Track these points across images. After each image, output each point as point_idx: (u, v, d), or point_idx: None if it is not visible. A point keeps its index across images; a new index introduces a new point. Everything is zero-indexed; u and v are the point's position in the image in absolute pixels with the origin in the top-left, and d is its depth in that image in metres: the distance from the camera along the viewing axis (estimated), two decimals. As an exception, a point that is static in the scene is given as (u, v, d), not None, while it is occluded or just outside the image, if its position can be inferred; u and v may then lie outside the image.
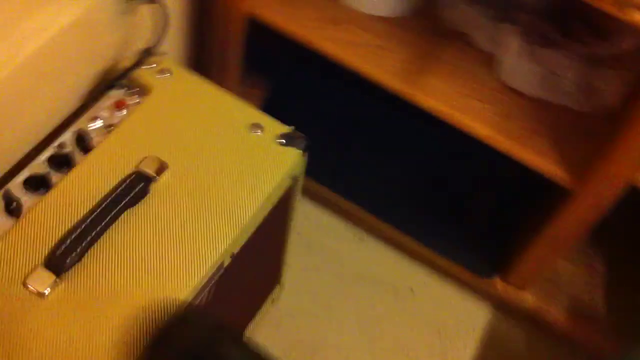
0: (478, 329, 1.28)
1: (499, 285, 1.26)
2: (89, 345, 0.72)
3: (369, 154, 1.37)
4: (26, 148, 0.86)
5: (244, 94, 1.01)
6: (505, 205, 1.33)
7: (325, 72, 1.15)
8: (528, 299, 1.24)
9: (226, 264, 0.83)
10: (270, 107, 1.34)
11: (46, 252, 0.75)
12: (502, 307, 1.29)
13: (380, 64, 1.11)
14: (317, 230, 1.34)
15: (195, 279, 0.78)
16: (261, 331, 1.19)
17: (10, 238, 0.77)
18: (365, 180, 1.34)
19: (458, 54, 1.15)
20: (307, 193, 1.35)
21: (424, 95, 1.09)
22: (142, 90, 0.92)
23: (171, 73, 0.94)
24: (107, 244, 0.78)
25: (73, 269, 0.75)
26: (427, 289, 1.31)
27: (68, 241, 0.76)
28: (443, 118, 1.08)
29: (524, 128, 1.07)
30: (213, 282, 0.82)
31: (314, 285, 1.28)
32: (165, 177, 0.84)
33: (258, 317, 1.17)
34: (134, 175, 0.82)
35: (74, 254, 0.75)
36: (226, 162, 0.87)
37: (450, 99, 1.09)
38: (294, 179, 0.93)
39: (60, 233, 0.77)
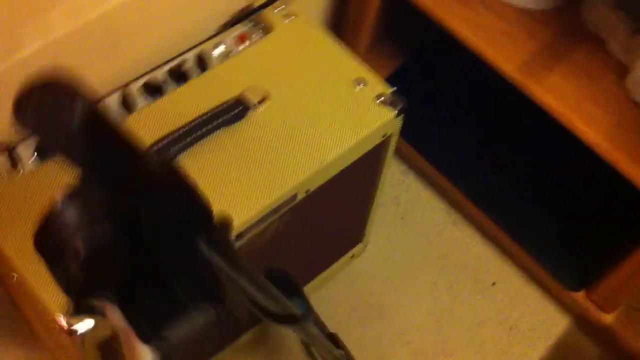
0: (551, 336, 1.25)
1: (582, 300, 1.23)
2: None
3: (480, 140, 1.37)
4: (158, 62, 0.96)
5: (372, 60, 1.06)
6: (608, 223, 1.29)
7: (456, 52, 1.17)
8: (608, 320, 1.21)
9: (299, 197, 0.89)
10: (396, 78, 1.39)
11: (145, 147, 0.85)
12: (580, 322, 1.26)
13: (505, 52, 1.11)
14: (416, 205, 1.37)
15: (266, 201, 0.85)
16: (335, 283, 1.25)
17: (119, 129, 0.87)
18: (472, 166, 1.35)
19: (588, 57, 1.12)
20: (415, 169, 1.38)
21: (541, 89, 1.08)
22: (266, 29, 0.99)
23: (296, 18, 1.00)
24: (198, 153, 0.86)
25: (163, 166, 0.84)
26: (508, 286, 1.30)
27: (163, 143, 0.85)
28: (555, 116, 1.07)
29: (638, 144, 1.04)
30: (284, 211, 0.88)
31: (398, 254, 1.31)
32: (264, 106, 0.91)
33: (335, 267, 1.22)
34: (236, 99, 0.90)
35: (166, 155, 0.84)
36: (323, 106, 0.93)
37: (567, 98, 1.07)
38: (386, 138, 0.97)
39: (159, 134, 0.86)
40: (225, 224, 0.41)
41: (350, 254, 1.23)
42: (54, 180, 0.82)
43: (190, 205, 0.37)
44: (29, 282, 0.76)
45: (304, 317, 0.61)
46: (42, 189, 0.82)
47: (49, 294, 0.75)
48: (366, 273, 1.28)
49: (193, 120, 0.87)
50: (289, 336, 1.18)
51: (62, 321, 0.73)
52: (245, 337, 1.12)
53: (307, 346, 0.99)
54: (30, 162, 0.84)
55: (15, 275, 0.81)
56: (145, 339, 0.36)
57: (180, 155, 0.85)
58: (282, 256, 1.01)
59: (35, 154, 0.84)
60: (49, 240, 0.36)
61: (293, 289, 0.68)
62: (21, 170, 0.83)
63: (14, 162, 0.83)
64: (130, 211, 0.35)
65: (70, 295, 0.38)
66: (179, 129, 0.86)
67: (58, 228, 0.35)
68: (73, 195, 0.35)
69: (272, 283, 0.62)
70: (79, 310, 0.37)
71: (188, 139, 0.86)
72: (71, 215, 0.35)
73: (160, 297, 0.35)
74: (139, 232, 0.35)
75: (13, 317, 1.13)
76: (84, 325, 0.73)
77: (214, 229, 0.39)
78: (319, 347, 0.88)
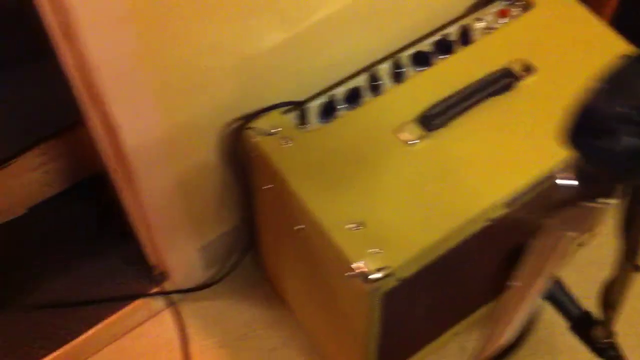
0: None
1: None
2: (432, 196, 0.84)
3: None
4: (420, 33, 1.00)
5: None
6: None
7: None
8: None
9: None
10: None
11: (418, 111, 0.89)
12: None
13: None
14: None
15: (531, 174, 0.85)
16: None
17: (392, 95, 0.91)
18: None
19: None
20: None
21: None
22: (526, 5, 1.00)
23: (555, -5, 1.01)
24: (468, 120, 0.89)
25: (437, 131, 0.87)
26: None
27: (439, 108, 0.88)
28: None
29: None
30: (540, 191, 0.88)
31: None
32: (531, 79, 0.92)
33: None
34: (503, 70, 0.92)
35: (441, 119, 0.87)
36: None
37: None
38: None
39: (432, 101, 0.89)
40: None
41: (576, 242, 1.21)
42: (340, 139, 0.88)
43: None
44: (324, 230, 0.81)
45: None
46: (334, 143, 0.88)
47: (346, 241, 0.80)
48: (593, 261, 1.24)
49: (464, 90, 0.90)
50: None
51: (361, 266, 0.77)
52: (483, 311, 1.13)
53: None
54: (317, 119, 0.90)
55: (304, 226, 0.87)
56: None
57: (454, 121, 0.88)
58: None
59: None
60: (594, 115, 0.39)
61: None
62: (309, 126, 0.89)
63: (303, 118, 0.89)
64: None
65: (621, 167, 0.41)
66: (451, 97, 0.89)
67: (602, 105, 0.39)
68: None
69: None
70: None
71: (460, 107, 0.88)
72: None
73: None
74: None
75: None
76: (379, 273, 0.77)
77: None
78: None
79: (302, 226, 0.86)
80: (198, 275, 1.18)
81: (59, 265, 1.18)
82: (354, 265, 0.78)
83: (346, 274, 0.79)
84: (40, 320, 1.13)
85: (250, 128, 0.87)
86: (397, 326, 0.92)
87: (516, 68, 0.92)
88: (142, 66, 0.77)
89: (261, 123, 0.88)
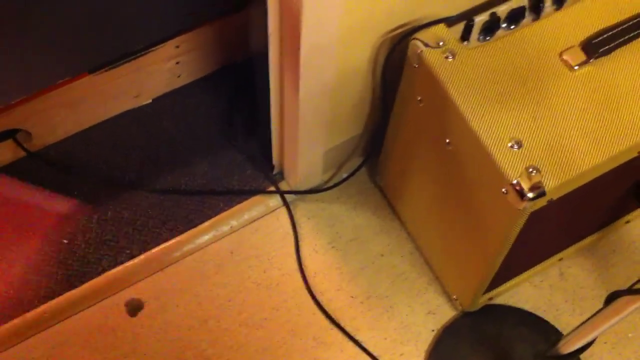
0: None
1: None
2: (592, 122, 0.85)
3: None
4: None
5: None
6: None
7: None
8: None
9: None
10: None
11: (583, 38, 0.89)
12: None
13: None
14: None
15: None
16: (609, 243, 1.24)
17: (554, 19, 0.92)
18: None
19: None
20: None
21: None
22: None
23: None
24: (631, 52, 0.89)
25: (601, 59, 0.88)
26: None
27: (605, 36, 0.88)
28: None
29: None
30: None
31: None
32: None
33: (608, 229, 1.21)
34: (670, 5, 0.91)
35: (606, 47, 0.88)
36: None
37: None
38: None
39: (596, 29, 0.90)
40: None
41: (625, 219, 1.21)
42: (502, 58, 0.89)
43: None
44: (484, 146, 0.83)
45: None
46: (496, 61, 0.89)
47: (505, 159, 0.82)
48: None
49: (632, 18, 0.90)
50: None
51: (519, 184, 0.80)
52: (588, 240, 1.17)
53: None
54: (477, 37, 0.91)
55: (450, 140, 0.90)
56: None
57: (616, 51, 0.89)
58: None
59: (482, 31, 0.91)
60: None
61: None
62: (470, 43, 0.90)
63: (466, 34, 0.90)
64: None
65: None
66: (617, 26, 0.89)
67: None
68: None
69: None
70: None
71: (627, 36, 0.89)
72: None
73: None
74: None
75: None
76: (534, 192, 0.80)
77: None
78: None
79: (448, 140, 0.89)
80: (315, 178, 1.22)
81: (181, 157, 1.22)
82: (513, 183, 0.81)
83: (503, 190, 0.82)
84: (169, 205, 1.18)
85: (416, 39, 0.88)
86: (523, 245, 0.95)
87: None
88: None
89: (427, 35, 0.89)
